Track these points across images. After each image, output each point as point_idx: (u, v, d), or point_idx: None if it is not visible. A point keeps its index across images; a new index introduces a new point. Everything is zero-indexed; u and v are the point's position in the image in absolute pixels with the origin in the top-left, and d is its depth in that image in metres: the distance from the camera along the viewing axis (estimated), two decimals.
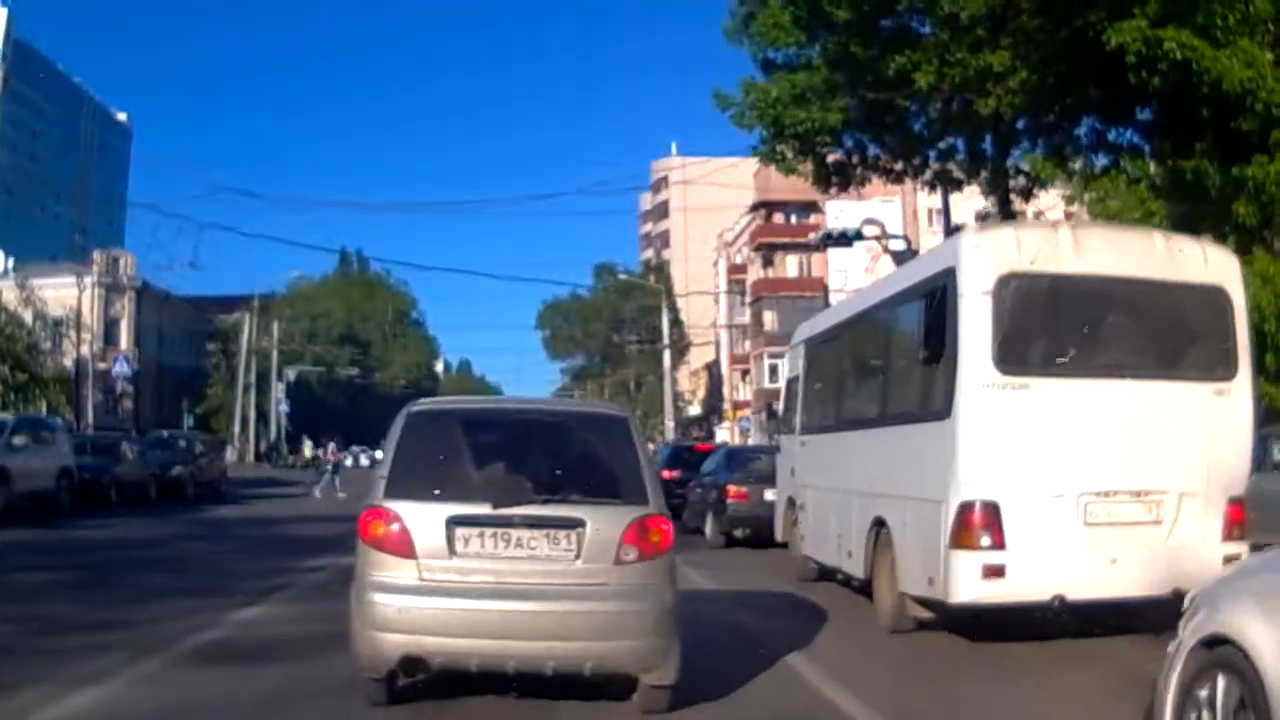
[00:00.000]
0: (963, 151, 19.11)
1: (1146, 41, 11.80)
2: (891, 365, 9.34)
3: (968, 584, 7.24)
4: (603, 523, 5.37)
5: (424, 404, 6.25)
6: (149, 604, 9.23)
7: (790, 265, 65.65)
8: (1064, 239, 7.66)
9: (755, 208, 67.51)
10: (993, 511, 7.21)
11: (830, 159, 19.13)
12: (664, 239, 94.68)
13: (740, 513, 15.63)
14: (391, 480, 5.52)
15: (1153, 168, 15.06)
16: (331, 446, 34.82)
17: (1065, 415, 7.40)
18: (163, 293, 64.10)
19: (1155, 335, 7.84)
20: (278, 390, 65.90)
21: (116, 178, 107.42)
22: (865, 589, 9.34)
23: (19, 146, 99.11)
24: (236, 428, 60.87)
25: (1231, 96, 11.92)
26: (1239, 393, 7.72)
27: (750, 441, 48.75)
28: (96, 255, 63.33)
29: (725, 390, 76.04)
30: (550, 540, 5.33)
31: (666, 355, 52.47)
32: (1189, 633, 4.17)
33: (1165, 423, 7.52)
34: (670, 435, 46.21)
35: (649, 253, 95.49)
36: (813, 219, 59.64)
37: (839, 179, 19.61)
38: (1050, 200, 20.30)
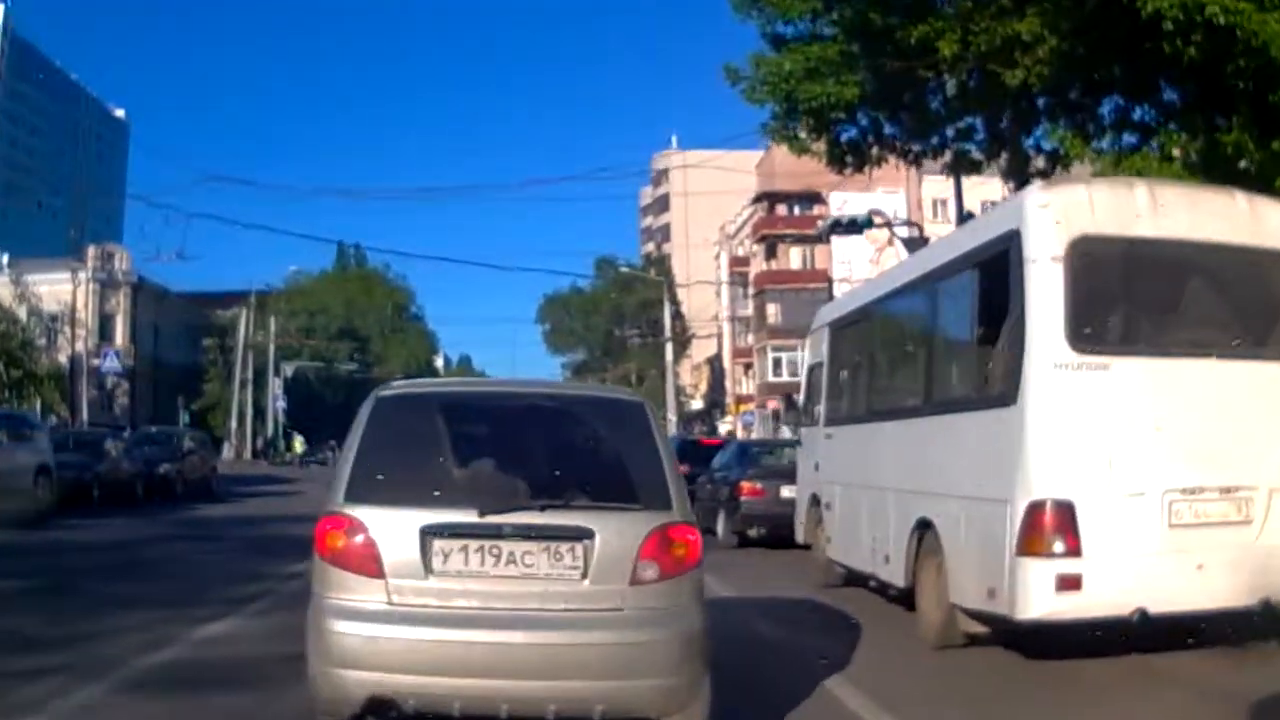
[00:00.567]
0: (981, 131, 18.42)
1: (1185, 7, 11.06)
2: (938, 346, 8.30)
3: (1039, 598, 6.24)
4: (615, 533, 4.37)
5: (396, 387, 5.24)
6: (106, 617, 8.32)
7: (794, 257, 65.06)
8: (1140, 198, 6.73)
9: (758, 199, 66.87)
10: (1067, 513, 6.23)
11: (844, 138, 18.38)
12: (665, 232, 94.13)
13: (755, 511, 14.79)
14: (354, 480, 4.50)
15: (1183, 143, 14.34)
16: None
17: (1146, 400, 6.45)
18: (159, 288, 64.02)
19: (1241, 308, 6.96)
20: (275, 386, 65.30)
21: (114, 174, 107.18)
22: (903, 598, 8.37)
23: (17, 142, 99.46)
24: (233, 424, 60.39)
25: (1278, 64, 11.14)
26: None
27: (753, 436, 47.92)
28: (91, 250, 62.74)
29: (728, 384, 75.30)
30: (550, 555, 4.34)
31: (669, 348, 51.90)
32: None
33: (1254, 408, 6.64)
34: (673, 430, 45.35)
35: (650, 246, 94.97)
36: (816, 210, 58.94)
37: (853, 159, 18.91)
38: None
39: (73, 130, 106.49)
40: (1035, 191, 6.87)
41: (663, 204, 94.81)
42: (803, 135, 17.79)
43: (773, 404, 57.83)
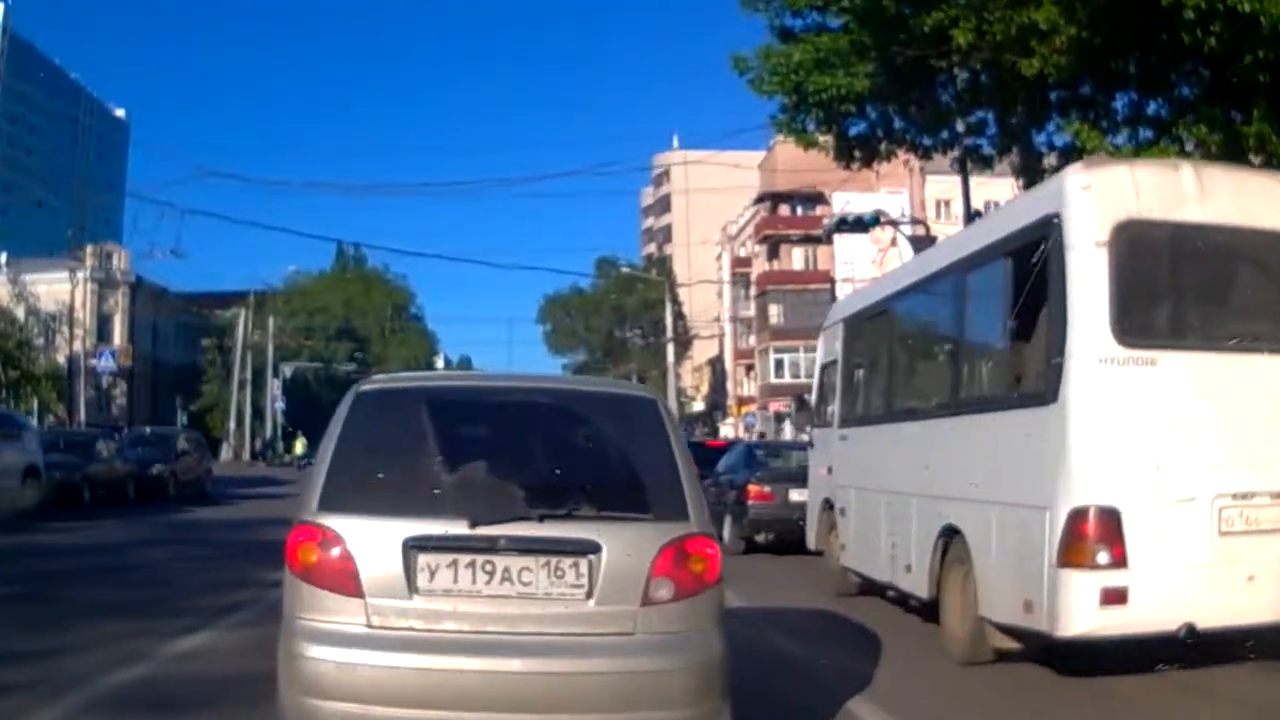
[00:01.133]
0: (993, 126, 18.11)
1: None
2: (967, 341, 7.78)
3: (1083, 612, 5.74)
4: (625, 547, 3.88)
5: (378, 381, 4.71)
6: (78, 628, 7.84)
7: (796, 258, 64.66)
8: (1186, 180, 6.24)
9: (760, 199, 66.45)
10: (1112, 520, 5.74)
11: (853, 132, 18.04)
12: (666, 234, 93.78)
13: (763, 515, 14.33)
14: (329, 487, 4.00)
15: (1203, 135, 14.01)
16: None
17: (1195, 398, 5.97)
18: (158, 288, 63.83)
19: None
20: (274, 387, 64.88)
21: (113, 174, 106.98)
22: (926, 609, 7.88)
23: (16, 142, 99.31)
24: (232, 425, 60.14)
25: None
26: None
27: (754, 438, 47.45)
28: (90, 250, 62.45)
29: (729, 386, 74.87)
30: (551, 572, 3.85)
31: (670, 349, 51.47)
32: None
33: None
34: None
35: (651, 247, 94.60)
36: (818, 210, 58.50)
37: (862, 153, 18.62)
38: None
39: (72, 129, 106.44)
40: (1076, 172, 6.33)
41: (664, 205, 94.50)
42: (811, 128, 17.47)
43: (775, 405, 57.43)
